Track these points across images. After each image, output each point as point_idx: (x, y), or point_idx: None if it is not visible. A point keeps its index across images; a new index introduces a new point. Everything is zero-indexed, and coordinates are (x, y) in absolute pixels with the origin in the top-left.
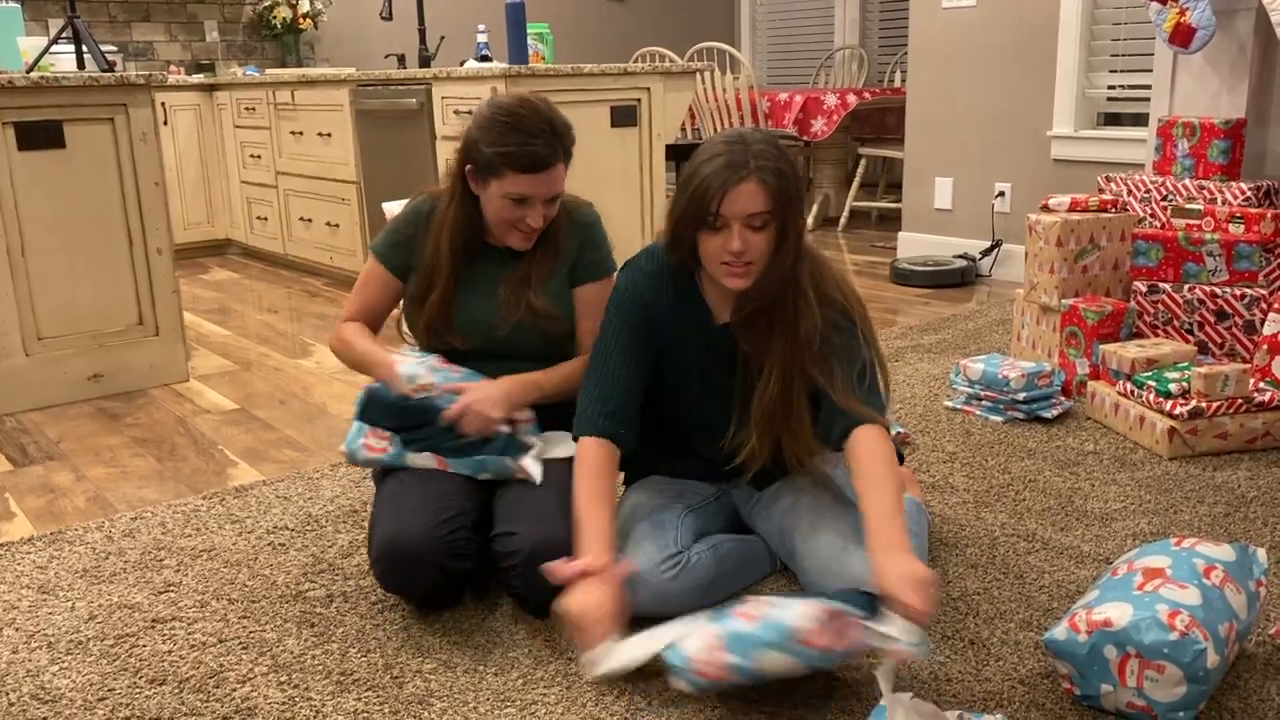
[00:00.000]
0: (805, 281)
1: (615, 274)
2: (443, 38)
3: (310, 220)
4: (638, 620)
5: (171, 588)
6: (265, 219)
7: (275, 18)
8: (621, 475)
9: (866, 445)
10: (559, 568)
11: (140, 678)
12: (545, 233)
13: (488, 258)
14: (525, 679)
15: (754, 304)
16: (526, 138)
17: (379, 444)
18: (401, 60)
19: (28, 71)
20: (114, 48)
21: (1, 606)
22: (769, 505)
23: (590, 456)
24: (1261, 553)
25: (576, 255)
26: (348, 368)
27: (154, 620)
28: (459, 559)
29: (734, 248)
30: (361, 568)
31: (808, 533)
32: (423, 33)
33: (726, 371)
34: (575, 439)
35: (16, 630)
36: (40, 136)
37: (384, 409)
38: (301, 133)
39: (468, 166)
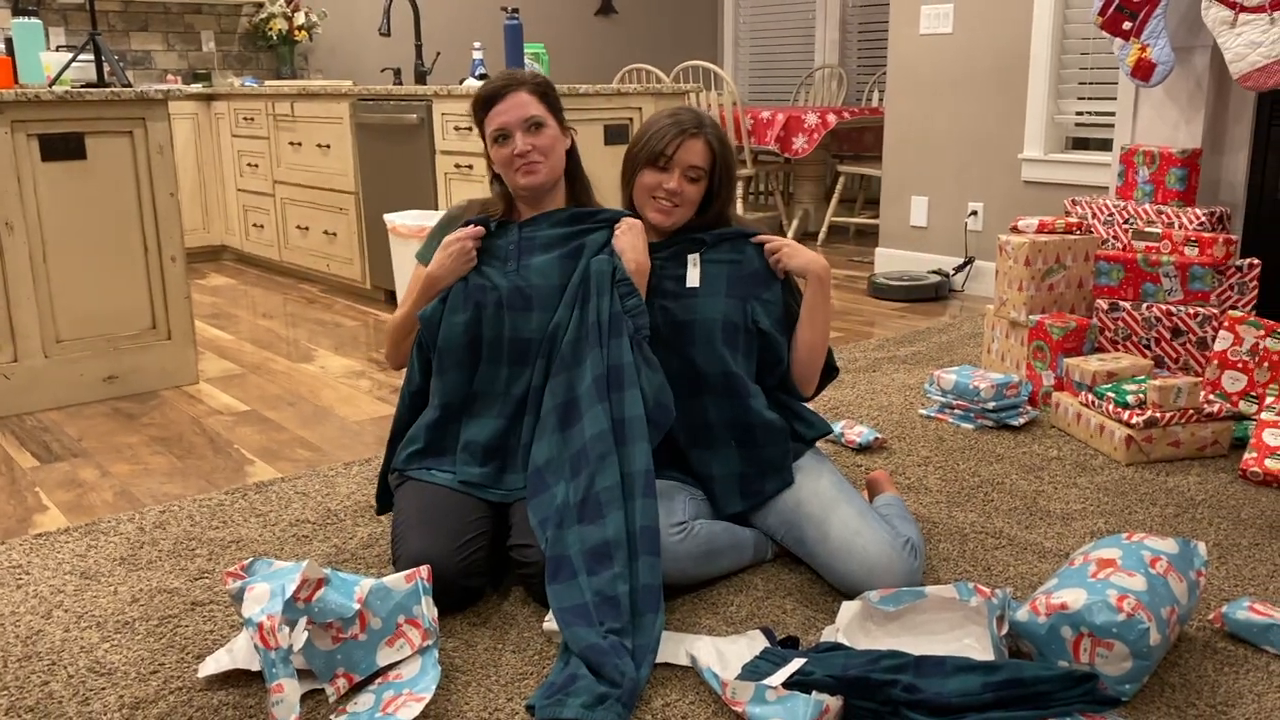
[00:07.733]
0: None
1: None
2: (439, 54)
3: (307, 228)
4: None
5: (205, 575)
6: (261, 226)
7: (271, 29)
8: None
9: None
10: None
11: (187, 654)
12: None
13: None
14: (540, 655)
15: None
16: (486, 84)
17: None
18: (398, 75)
19: (50, 85)
20: (114, 56)
21: (49, 589)
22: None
23: None
24: (1202, 546)
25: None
26: (399, 358)
27: (193, 603)
28: (476, 577)
29: (670, 186)
30: (383, 557)
31: (819, 519)
32: (419, 48)
33: None
34: None
35: (66, 611)
36: (62, 148)
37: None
38: (300, 144)
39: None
